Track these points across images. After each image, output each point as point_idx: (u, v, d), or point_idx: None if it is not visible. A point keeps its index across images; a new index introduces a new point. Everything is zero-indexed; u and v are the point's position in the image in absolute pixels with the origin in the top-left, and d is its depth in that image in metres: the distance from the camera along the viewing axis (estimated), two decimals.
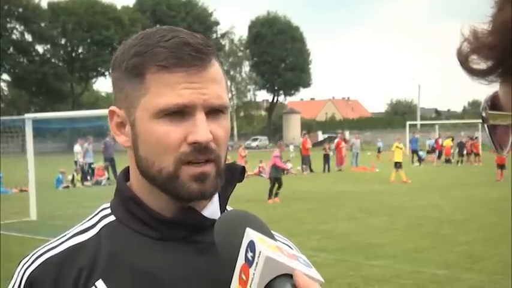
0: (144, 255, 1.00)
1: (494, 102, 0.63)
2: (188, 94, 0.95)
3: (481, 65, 0.60)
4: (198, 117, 0.96)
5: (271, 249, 0.78)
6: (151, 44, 0.97)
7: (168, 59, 0.95)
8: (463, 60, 0.62)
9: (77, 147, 24.31)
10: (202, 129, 0.95)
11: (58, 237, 1.05)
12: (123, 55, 1.01)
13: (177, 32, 0.98)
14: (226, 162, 1.08)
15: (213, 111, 0.98)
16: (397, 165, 21.23)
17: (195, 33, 1.01)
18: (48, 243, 1.05)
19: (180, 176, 0.97)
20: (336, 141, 31.33)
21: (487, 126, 0.64)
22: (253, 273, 0.77)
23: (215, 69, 1.00)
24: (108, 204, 1.09)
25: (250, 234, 0.80)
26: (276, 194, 16.05)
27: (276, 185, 16.05)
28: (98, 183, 22.90)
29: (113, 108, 1.05)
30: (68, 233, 1.06)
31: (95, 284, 0.98)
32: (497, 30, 0.58)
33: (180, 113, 0.96)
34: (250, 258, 0.78)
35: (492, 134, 0.65)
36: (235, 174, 1.08)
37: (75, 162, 24.00)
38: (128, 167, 1.08)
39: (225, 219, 0.89)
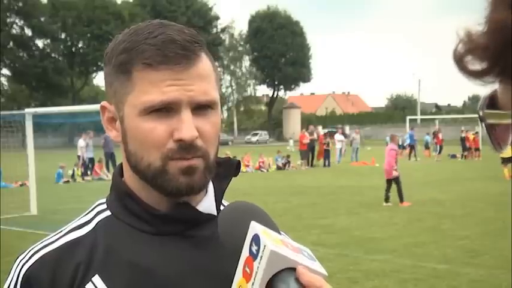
0: (140, 250, 1.00)
1: (492, 101, 0.63)
2: (173, 91, 0.96)
3: (477, 65, 0.60)
4: (184, 114, 0.96)
5: (276, 243, 0.78)
6: (138, 40, 0.97)
7: (153, 56, 0.96)
8: (459, 60, 0.61)
9: (81, 142, 23.85)
10: (187, 126, 0.96)
11: (55, 233, 1.06)
12: (112, 51, 1.02)
13: (165, 28, 0.98)
14: (223, 157, 1.08)
15: (201, 107, 0.98)
16: None
17: (187, 28, 1.01)
18: (45, 239, 1.05)
19: (169, 171, 0.98)
20: (319, 135, 29.92)
21: (485, 125, 0.64)
22: (258, 267, 0.77)
23: (203, 65, 0.99)
24: (104, 200, 1.10)
25: (255, 227, 0.80)
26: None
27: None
28: (100, 178, 22.84)
29: (104, 103, 1.06)
30: (64, 229, 1.06)
31: (92, 279, 0.98)
32: (491, 31, 0.58)
33: (166, 110, 0.97)
34: (254, 251, 0.78)
35: (490, 132, 0.64)
36: (230, 168, 1.09)
37: (78, 157, 23.81)
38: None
39: (230, 211, 0.89)
